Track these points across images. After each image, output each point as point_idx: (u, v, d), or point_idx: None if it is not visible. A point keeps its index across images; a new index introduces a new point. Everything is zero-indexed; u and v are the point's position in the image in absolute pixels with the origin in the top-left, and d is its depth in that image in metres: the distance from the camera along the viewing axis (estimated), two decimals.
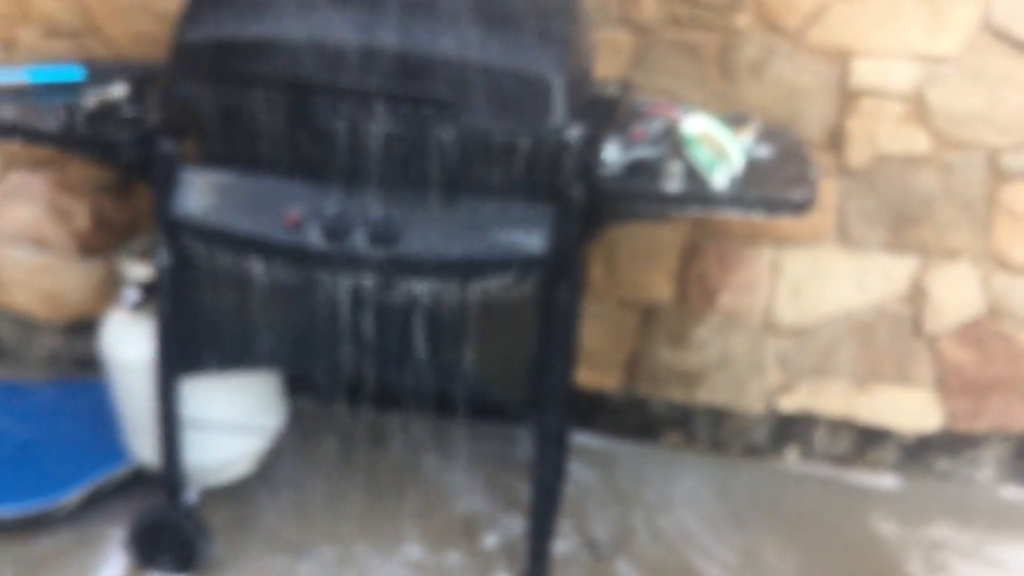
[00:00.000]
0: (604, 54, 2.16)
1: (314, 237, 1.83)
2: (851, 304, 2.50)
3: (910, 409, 2.58)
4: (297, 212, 1.83)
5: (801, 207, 1.84)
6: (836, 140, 2.36)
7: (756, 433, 2.66)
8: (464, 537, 2.34)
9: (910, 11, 2.24)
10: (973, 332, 2.50)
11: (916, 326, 2.51)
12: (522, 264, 1.84)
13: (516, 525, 2.35)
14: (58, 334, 2.76)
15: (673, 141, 1.91)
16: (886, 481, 2.63)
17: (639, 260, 2.49)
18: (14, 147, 2.54)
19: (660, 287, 2.52)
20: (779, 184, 1.88)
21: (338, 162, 1.82)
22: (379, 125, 1.77)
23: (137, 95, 1.99)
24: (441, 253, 1.83)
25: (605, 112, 1.99)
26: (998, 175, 2.37)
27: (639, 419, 2.68)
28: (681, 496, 2.52)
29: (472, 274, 1.86)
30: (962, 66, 2.27)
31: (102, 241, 2.62)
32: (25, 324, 2.77)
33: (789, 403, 2.61)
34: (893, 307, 2.50)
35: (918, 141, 2.34)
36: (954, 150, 2.35)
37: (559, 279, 1.86)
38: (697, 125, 1.87)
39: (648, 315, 2.57)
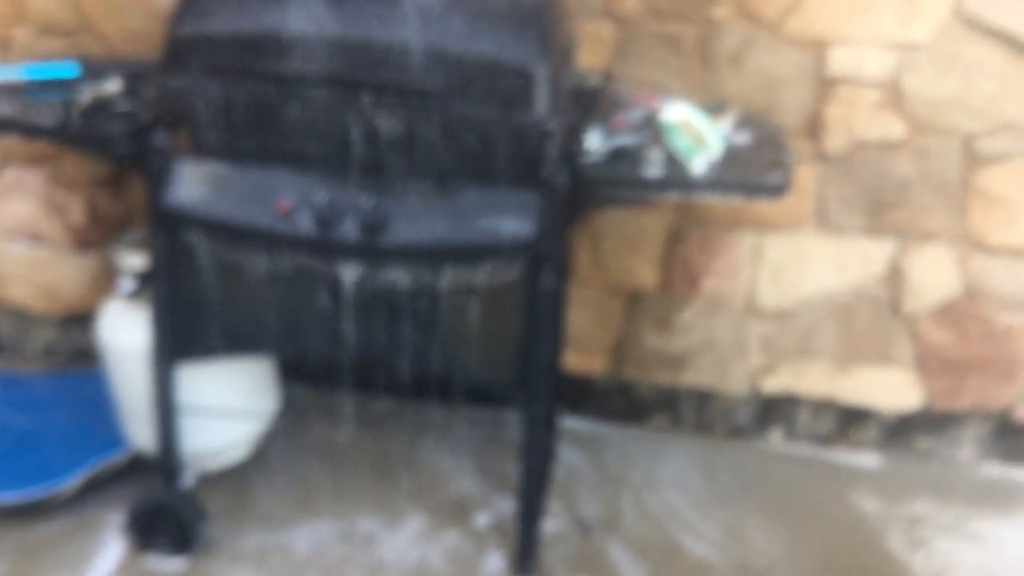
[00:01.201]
0: (586, 45, 2.21)
1: (305, 226, 1.88)
2: (831, 287, 2.55)
3: (891, 389, 2.64)
4: (288, 201, 1.88)
5: (778, 190, 1.89)
6: (814, 127, 2.41)
7: (740, 414, 2.71)
8: (457, 517, 2.39)
9: (884, 0, 2.29)
10: (951, 313, 2.56)
11: (895, 308, 2.56)
12: (508, 250, 1.89)
13: (506, 506, 2.41)
14: (54, 326, 2.80)
15: (653, 129, 1.96)
16: (868, 460, 2.69)
17: (624, 247, 2.54)
18: (10, 143, 2.57)
19: (645, 273, 2.57)
20: (756, 169, 1.93)
21: (327, 152, 1.86)
22: (365, 116, 1.81)
23: (131, 90, 2.03)
24: (428, 240, 1.88)
25: (587, 101, 2.04)
26: (973, 159, 2.42)
27: (626, 402, 2.73)
28: (668, 476, 2.58)
29: (459, 261, 1.90)
30: (936, 53, 2.32)
31: (97, 234, 2.66)
32: (22, 317, 2.81)
33: (772, 384, 2.67)
34: (872, 289, 2.55)
35: (894, 127, 2.39)
36: (929, 135, 2.40)
37: (544, 265, 1.91)
38: (677, 113, 1.92)
39: (633, 300, 2.62)
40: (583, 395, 2.72)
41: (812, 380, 2.65)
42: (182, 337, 2.04)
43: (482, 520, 2.39)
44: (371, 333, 1.98)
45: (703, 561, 2.31)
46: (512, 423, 2.67)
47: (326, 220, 1.87)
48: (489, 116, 1.80)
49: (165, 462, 2.16)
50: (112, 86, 2.02)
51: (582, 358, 2.67)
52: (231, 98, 1.83)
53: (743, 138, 2.01)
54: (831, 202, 2.47)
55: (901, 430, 2.69)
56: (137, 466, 2.35)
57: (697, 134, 1.90)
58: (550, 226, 1.87)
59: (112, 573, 2.17)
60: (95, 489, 2.34)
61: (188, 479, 2.23)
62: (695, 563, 2.30)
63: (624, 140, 1.93)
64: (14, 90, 2.09)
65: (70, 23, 2.46)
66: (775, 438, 2.73)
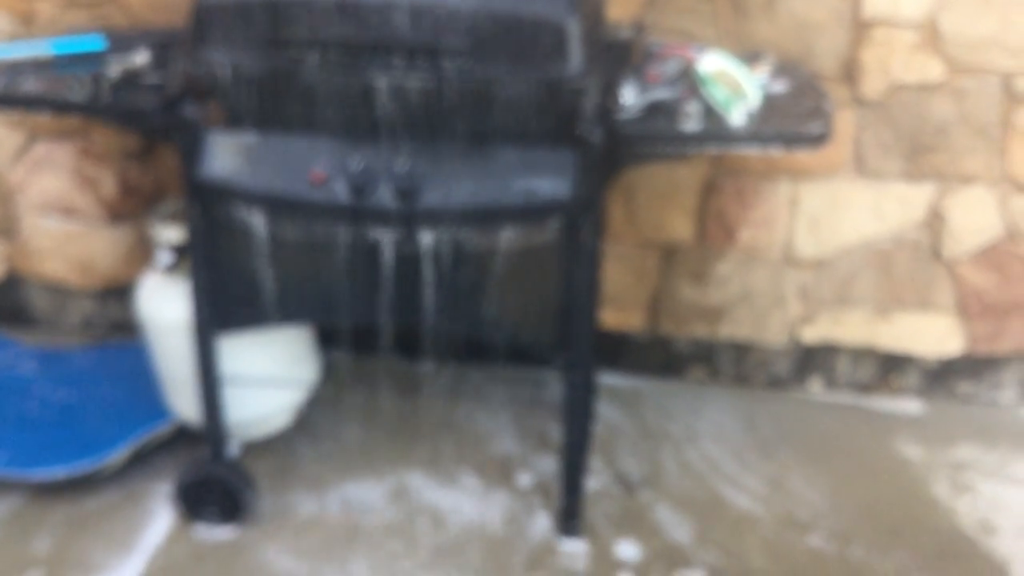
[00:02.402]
0: None
1: (340, 193, 1.87)
2: (870, 233, 2.52)
3: (931, 334, 2.62)
4: (323, 169, 1.87)
5: (818, 140, 1.86)
6: (850, 72, 2.36)
7: (779, 365, 2.70)
8: (501, 477, 2.40)
9: None
10: (992, 256, 2.52)
11: (935, 252, 2.53)
12: (544, 210, 1.87)
13: (548, 465, 2.42)
14: (91, 299, 2.82)
15: (689, 81, 1.93)
16: (909, 406, 2.68)
17: (658, 201, 2.52)
18: (39, 119, 2.57)
19: (680, 226, 2.55)
20: (796, 118, 1.90)
21: (360, 118, 1.84)
22: (397, 79, 1.79)
23: (159, 62, 2.02)
24: (464, 203, 1.87)
25: (620, 55, 2.00)
26: (1012, 98, 2.37)
27: (664, 357, 2.73)
28: (708, 429, 2.58)
29: (495, 222, 1.89)
30: None
31: (129, 207, 2.66)
32: (58, 291, 2.82)
33: (811, 334, 2.65)
34: (912, 234, 2.52)
35: (932, 69, 2.35)
36: (968, 76, 2.35)
37: (581, 223, 1.89)
38: (713, 63, 1.89)
39: (669, 254, 2.60)
40: (621, 351, 2.72)
41: (852, 328, 2.63)
42: (222, 308, 2.04)
43: (525, 480, 2.40)
44: (409, 297, 1.98)
45: (746, 513, 2.31)
46: (550, 382, 2.67)
47: (361, 187, 1.86)
48: (522, 74, 1.77)
49: (211, 432, 2.18)
50: (140, 58, 2.00)
51: (619, 314, 2.66)
52: (260, 66, 1.82)
53: (780, 87, 1.98)
54: (869, 147, 2.43)
55: (942, 376, 2.67)
56: (182, 437, 2.38)
57: (735, 84, 1.87)
58: (586, 184, 1.85)
59: (162, 543, 2.20)
60: (141, 461, 2.36)
61: (233, 448, 2.25)
62: (738, 515, 2.31)
63: (660, 94, 1.90)
64: (41, 65, 2.07)
65: None
66: (815, 388, 2.72)
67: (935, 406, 2.67)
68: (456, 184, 1.86)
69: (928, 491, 2.39)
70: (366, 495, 2.33)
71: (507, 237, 1.90)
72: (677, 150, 1.96)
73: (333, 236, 1.92)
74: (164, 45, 2.06)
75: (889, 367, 2.67)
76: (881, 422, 2.62)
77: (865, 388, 2.70)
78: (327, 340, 2.47)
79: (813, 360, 2.69)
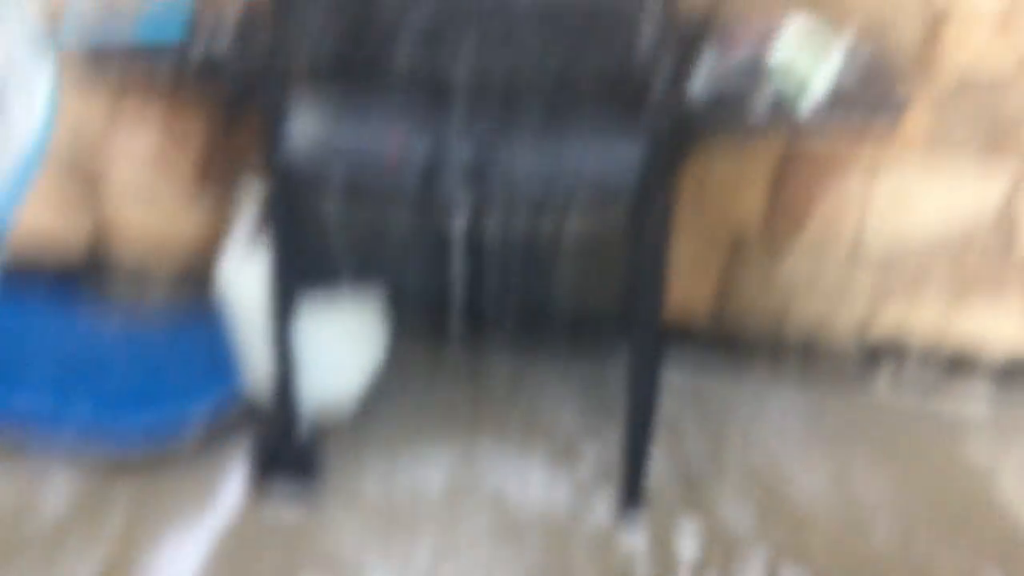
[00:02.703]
0: None
1: (413, 175, 1.91)
2: (941, 228, 2.49)
3: (1002, 333, 2.58)
4: (398, 150, 1.91)
5: (889, 129, 1.86)
6: (925, 61, 2.34)
7: (846, 360, 2.68)
8: (565, 461, 2.42)
9: None
10: None
11: (1008, 248, 2.49)
12: (613, 195, 1.90)
13: (611, 450, 2.43)
14: (172, 276, 2.88)
15: (759, 69, 1.93)
16: (977, 406, 2.64)
17: (726, 189, 2.52)
18: (127, 83, 2.62)
19: (748, 216, 2.55)
20: (867, 107, 1.89)
21: (435, 102, 1.88)
22: (473, 60, 1.82)
23: (245, 30, 2.07)
24: (534, 187, 1.90)
25: (693, 38, 2.01)
26: None
27: (728, 348, 2.72)
28: (771, 423, 2.57)
29: (564, 207, 1.92)
30: None
31: (211, 183, 2.71)
32: (140, 268, 2.89)
33: (879, 329, 2.63)
34: (984, 229, 2.48)
35: (1008, 59, 2.31)
36: None
37: (649, 209, 1.91)
38: (790, 39, 1.88)
39: (736, 244, 2.59)
40: (685, 342, 2.72)
41: (921, 324, 2.60)
42: (299, 274, 2.09)
43: (588, 464, 2.41)
44: (480, 278, 2.01)
45: (808, 506, 2.30)
46: (616, 368, 2.68)
47: (433, 167, 1.90)
48: (594, 58, 1.80)
49: (284, 410, 2.23)
50: (227, 27, 2.04)
51: (684, 304, 2.67)
52: (342, 44, 1.86)
53: (852, 74, 1.97)
54: (941, 139, 2.40)
55: (1012, 375, 2.63)
56: (257, 412, 2.43)
57: (805, 72, 1.87)
58: (655, 170, 1.87)
59: (234, 518, 2.25)
60: (216, 437, 2.42)
61: (305, 425, 2.30)
62: (800, 508, 2.30)
63: (730, 79, 1.91)
64: (131, 31, 2.12)
65: None
66: (882, 384, 2.70)
67: (1004, 407, 2.63)
68: (526, 169, 1.89)
69: (994, 491, 2.36)
70: (431, 477, 2.37)
71: (575, 220, 1.93)
72: (746, 138, 1.97)
73: (406, 215, 1.96)
74: (250, 18, 2.11)
75: (958, 365, 2.64)
76: (948, 421, 2.58)
77: (933, 386, 2.67)
78: (395, 322, 2.51)
79: (881, 355, 2.66)
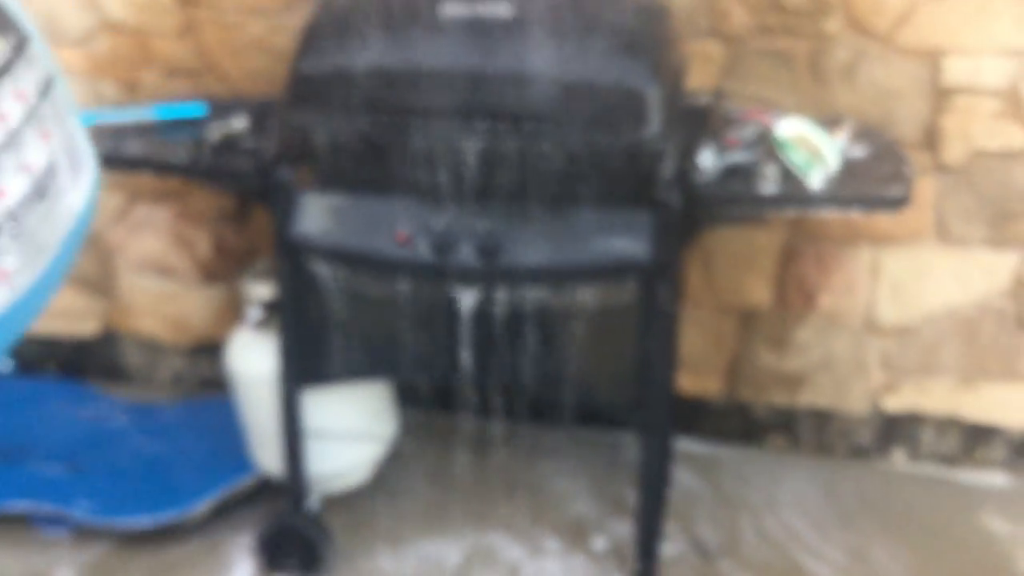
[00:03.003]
0: (696, 65, 2.21)
1: (424, 252, 1.93)
2: (953, 301, 2.49)
3: (1018, 405, 2.55)
4: (407, 229, 1.93)
5: (898, 203, 1.87)
6: (931, 139, 2.36)
7: (861, 434, 2.65)
8: (576, 540, 2.39)
9: (999, 6, 2.23)
10: None
11: (1020, 320, 2.48)
12: (623, 271, 1.91)
13: (623, 529, 2.40)
14: (183, 356, 2.91)
15: (767, 145, 1.96)
16: (996, 479, 2.60)
17: (737, 265, 2.53)
18: (139, 181, 2.69)
19: (758, 291, 2.55)
20: (875, 182, 1.91)
21: (444, 181, 1.91)
22: (481, 143, 1.86)
23: (256, 127, 2.11)
24: (544, 263, 1.91)
25: (699, 120, 2.04)
26: None
27: (742, 423, 2.70)
28: (787, 498, 2.54)
29: (573, 282, 1.93)
30: None
31: (223, 267, 2.75)
32: (152, 348, 2.92)
33: (894, 403, 2.61)
34: (997, 303, 2.48)
35: (1015, 136, 2.33)
36: None
37: (659, 285, 1.92)
38: (792, 128, 1.91)
39: (747, 319, 2.59)
40: (698, 417, 2.70)
41: (936, 398, 2.58)
42: (308, 362, 2.11)
43: (601, 543, 2.39)
44: (489, 356, 2.02)
45: None
46: (627, 445, 2.66)
47: (443, 246, 1.92)
48: (603, 139, 1.83)
49: (292, 485, 2.23)
50: (239, 123, 2.10)
51: (696, 379, 2.66)
52: (352, 131, 1.90)
53: (860, 151, 1.99)
54: (951, 214, 2.41)
55: None
56: (264, 490, 2.42)
57: (814, 148, 1.89)
58: (664, 246, 1.88)
59: None
60: (224, 512, 2.41)
61: (314, 502, 2.29)
62: None
63: (738, 157, 1.93)
64: (145, 130, 2.19)
65: (195, 64, 2.57)
66: (898, 458, 2.67)
67: (1021, 479, 2.59)
68: (536, 244, 1.91)
69: (1013, 566, 2.32)
70: (443, 553, 2.35)
71: (585, 298, 1.94)
72: (755, 213, 1.99)
73: (416, 294, 1.97)
74: (261, 112, 2.17)
75: (975, 438, 2.61)
76: (966, 495, 2.55)
77: (950, 459, 2.64)
78: (405, 397, 2.51)
79: (896, 430, 2.64)
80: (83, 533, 2.37)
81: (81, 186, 1.15)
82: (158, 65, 2.59)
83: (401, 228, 1.93)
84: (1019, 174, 2.36)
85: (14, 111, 1.03)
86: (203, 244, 2.75)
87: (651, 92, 1.81)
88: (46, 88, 1.09)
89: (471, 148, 1.85)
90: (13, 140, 1.02)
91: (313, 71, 1.91)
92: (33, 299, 1.04)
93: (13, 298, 1.01)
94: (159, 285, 2.82)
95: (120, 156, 2.09)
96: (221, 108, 2.22)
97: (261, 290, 2.22)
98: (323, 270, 2.00)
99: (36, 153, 1.06)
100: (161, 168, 2.07)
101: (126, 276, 2.83)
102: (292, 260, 2.01)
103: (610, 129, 1.82)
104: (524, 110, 1.82)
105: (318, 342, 2.08)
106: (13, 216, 1.01)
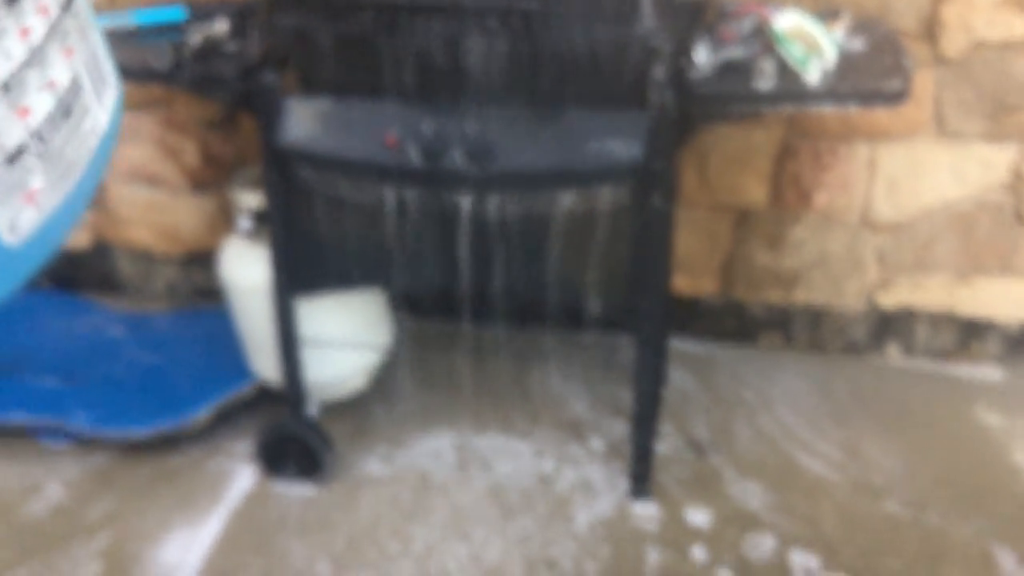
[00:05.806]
0: None
1: (413, 156, 1.89)
2: (950, 196, 2.47)
3: (1013, 299, 2.55)
4: (396, 133, 1.89)
5: (896, 97, 1.83)
6: (930, 29, 2.30)
7: (856, 331, 2.66)
8: (571, 440, 2.42)
9: None
10: None
11: (1018, 215, 2.47)
12: (617, 173, 1.88)
13: (619, 429, 2.43)
14: (175, 266, 2.90)
15: (764, 39, 1.90)
16: (989, 373, 2.62)
17: (732, 164, 2.49)
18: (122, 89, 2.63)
19: (754, 190, 2.52)
20: (873, 75, 1.86)
21: (433, 82, 1.86)
22: (470, 41, 1.80)
23: (238, 31, 2.05)
24: (536, 166, 1.88)
25: (694, 14, 1.99)
26: None
27: (737, 322, 2.71)
28: (781, 395, 2.56)
29: (566, 185, 1.90)
30: None
31: (211, 175, 2.72)
32: (144, 258, 2.91)
33: (889, 299, 2.61)
34: (994, 197, 2.46)
35: (1016, 26, 2.28)
36: None
37: (653, 186, 1.89)
38: (789, 21, 1.86)
39: (743, 218, 2.57)
40: (693, 316, 2.71)
41: (931, 293, 2.58)
42: (300, 271, 2.09)
43: (596, 443, 2.41)
44: (482, 261, 2.00)
45: (820, 479, 2.30)
46: (622, 347, 2.68)
47: (434, 150, 1.88)
48: (594, 34, 1.77)
49: (290, 392, 2.24)
50: (220, 27, 2.04)
51: (691, 279, 2.65)
52: (336, 32, 1.84)
53: (858, 44, 1.94)
54: (949, 107, 2.37)
55: None
56: (263, 397, 2.44)
57: (811, 41, 1.84)
58: (659, 146, 1.85)
59: (243, 499, 2.27)
60: (224, 420, 2.43)
61: (312, 408, 2.31)
62: (812, 481, 2.29)
63: (733, 52, 1.88)
64: (125, 36, 2.13)
65: None
66: (893, 354, 2.68)
67: (1016, 373, 2.61)
68: (528, 147, 1.87)
69: (1008, 458, 2.35)
70: (440, 456, 2.37)
71: (578, 199, 1.91)
72: (752, 109, 1.94)
73: (406, 200, 1.95)
74: (243, 15, 2.10)
75: (969, 333, 2.62)
76: (960, 389, 2.57)
77: (944, 354, 2.65)
78: (401, 304, 2.51)
79: (891, 326, 2.64)
80: (83, 443, 2.39)
81: (106, 104, 1.10)
82: None
83: (390, 132, 1.89)
84: (1019, 65, 2.31)
85: (37, 26, 0.98)
86: (190, 152, 2.71)
87: None
88: (68, 1, 1.04)
89: (460, 46, 1.80)
90: (36, 56, 0.97)
91: None
92: (61, 220, 1.01)
93: (41, 219, 0.98)
94: (148, 195, 2.79)
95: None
96: (202, 11, 2.15)
97: (250, 199, 2.20)
98: (311, 177, 1.96)
99: (60, 70, 1.01)
100: (141, 76, 2.01)
101: (115, 186, 2.80)
102: (279, 168, 1.97)
103: (601, 24, 1.76)
104: (514, 5, 1.76)
105: (309, 251, 2.06)
106: (39, 135, 0.97)
